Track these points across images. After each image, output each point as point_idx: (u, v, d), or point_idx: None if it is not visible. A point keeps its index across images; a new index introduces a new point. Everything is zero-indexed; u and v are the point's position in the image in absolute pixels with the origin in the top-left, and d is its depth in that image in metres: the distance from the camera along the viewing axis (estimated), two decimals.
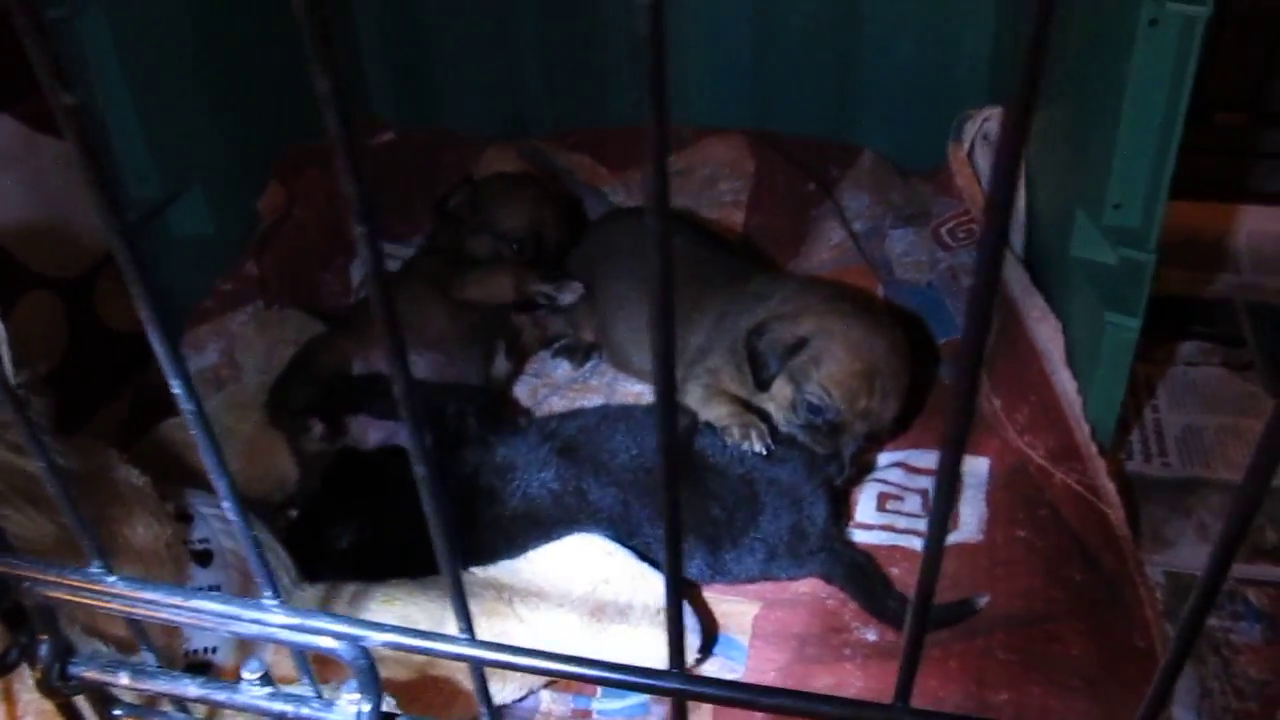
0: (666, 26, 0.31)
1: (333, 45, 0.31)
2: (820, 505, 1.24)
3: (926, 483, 1.34)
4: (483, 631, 0.50)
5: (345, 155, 0.34)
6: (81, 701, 0.64)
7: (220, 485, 0.48)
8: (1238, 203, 1.74)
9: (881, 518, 1.31)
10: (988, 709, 1.04)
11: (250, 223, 1.71)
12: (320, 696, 0.57)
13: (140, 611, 0.54)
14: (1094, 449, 1.28)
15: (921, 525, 1.29)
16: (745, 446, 1.26)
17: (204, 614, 0.53)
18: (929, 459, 1.37)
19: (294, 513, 1.32)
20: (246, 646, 1.02)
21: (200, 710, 0.83)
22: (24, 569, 0.55)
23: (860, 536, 1.29)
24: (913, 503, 1.32)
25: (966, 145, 1.59)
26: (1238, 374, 1.53)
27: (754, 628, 1.20)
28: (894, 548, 1.27)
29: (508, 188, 1.66)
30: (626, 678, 0.49)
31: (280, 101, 1.69)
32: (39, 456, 0.51)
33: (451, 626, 0.51)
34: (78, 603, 0.55)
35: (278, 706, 0.56)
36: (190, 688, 0.57)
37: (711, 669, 1.18)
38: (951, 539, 1.26)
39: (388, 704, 0.56)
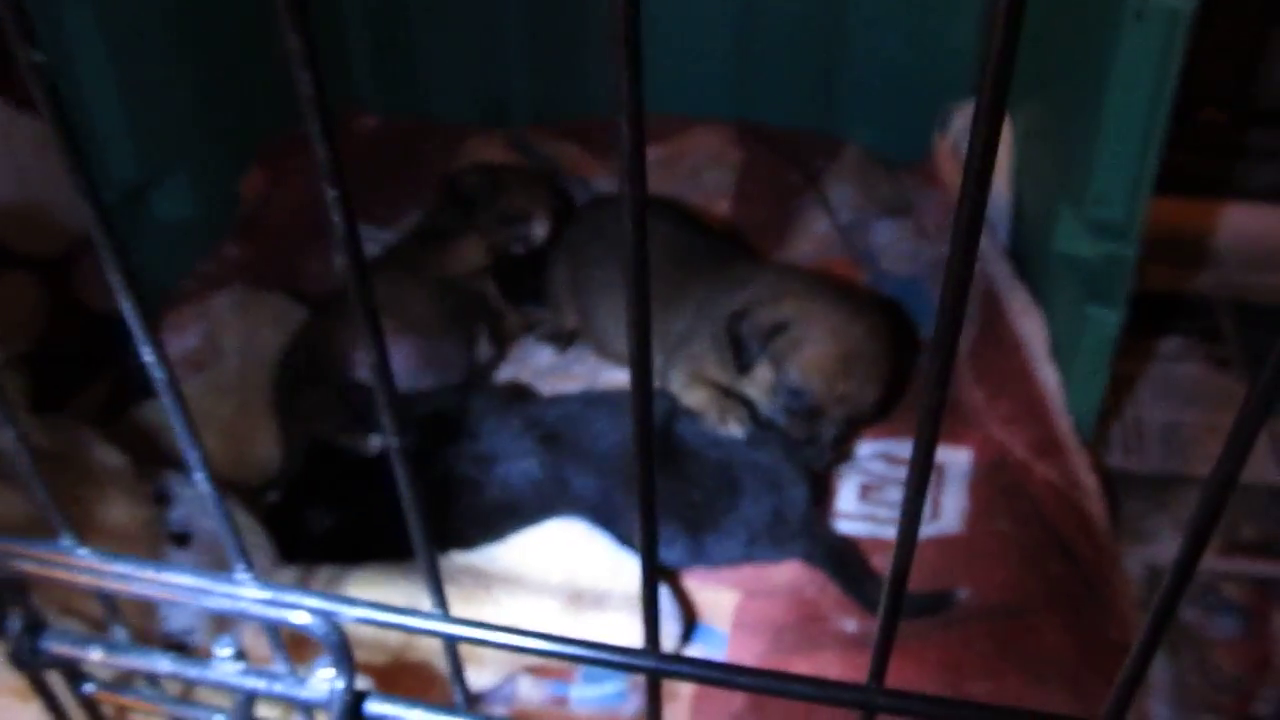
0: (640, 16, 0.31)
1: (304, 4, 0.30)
2: (800, 488, 1.24)
3: (907, 473, 1.34)
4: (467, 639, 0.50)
5: (317, 119, 0.33)
6: (54, 678, 0.63)
7: (191, 456, 0.47)
8: (1221, 200, 1.75)
9: (863, 508, 1.31)
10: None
11: (232, 206, 1.70)
12: (293, 673, 0.56)
13: (111, 585, 0.54)
14: (1075, 442, 1.29)
15: (915, 541, 1.29)
16: (723, 431, 1.26)
17: (175, 588, 0.52)
18: (909, 450, 1.37)
19: (273, 496, 1.31)
20: (224, 627, 1.01)
21: (174, 688, 0.82)
22: None
23: (842, 526, 1.29)
24: (895, 493, 1.32)
25: (952, 138, 1.59)
26: (1219, 370, 1.54)
27: (734, 617, 1.20)
28: (876, 539, 1.27)
29: (526, 177, 1.70)
30: (600, 655, 0.48)
31: (263, 85, 1.68)
32: (6, 429, 0.51)
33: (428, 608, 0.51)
34: (47, 576, 0.54)
35: (250, 683, 0.55)
36: (162, 663, 0.57)
37: (694, 655, 1.17)
38: (931, 530, 1.26)
39: (362, 682, 0.56)
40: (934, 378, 0.36)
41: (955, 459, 1.34)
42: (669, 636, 1.13)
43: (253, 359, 1.43)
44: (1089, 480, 1.26)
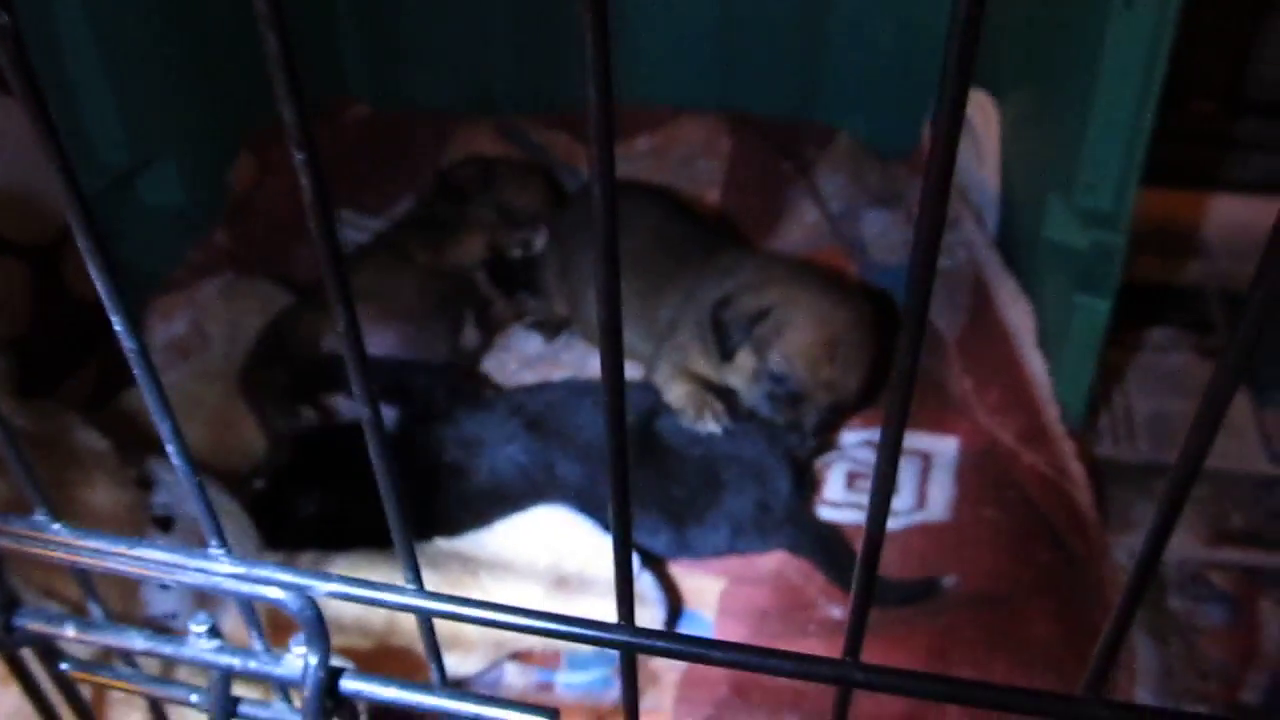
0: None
1: None
2: (783, 478, 1.24)
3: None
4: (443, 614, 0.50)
5: (283, 76, 0.33)
6: (30, 658, 0.63)
7: (163, 429, 0.47)
8: (1211, 191, 1.75)
9: (850, 496, 1.31)
10: None
11: (222, 193, 1.69)
12: (269, 650, 0.56)
13: (85, 561, 0.53)
14: (1063, 431, 1.29)
15: (890, 503, 1.29)
16: (699, 426, 1.26)
17: (149, 563, 0.52)
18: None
19: (260, 483, 1.31)
20: (207, 608, 1.01)
21: (153, 667, 0.82)
22: None
23: (829, 515, 1.29)
24: (892, 496, 1.32)
25: None
26: (1208, 361, 1.54)
27: (720, 604, 1.20)
28: (862, 526, 1.26)
29: (522, 171, 1.72)
30: (575, 630, 0.48)
31: (253, 72, 1.67)
32: None
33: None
34: (21, 551, 0.54)
35: (225, 660, 0.55)
36: (137, 640, 0.56)
37: None
38: (919, 518, 1.26)
39: (340, 660, 0.56)
40: (907, 346, 0.36)
41: (943, 447, 1.34)
42: (654, 622, 1.13)
43: (240, 346, 1.43)
44: (1077, 469, 1.26)
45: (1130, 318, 1.56)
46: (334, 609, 0.82)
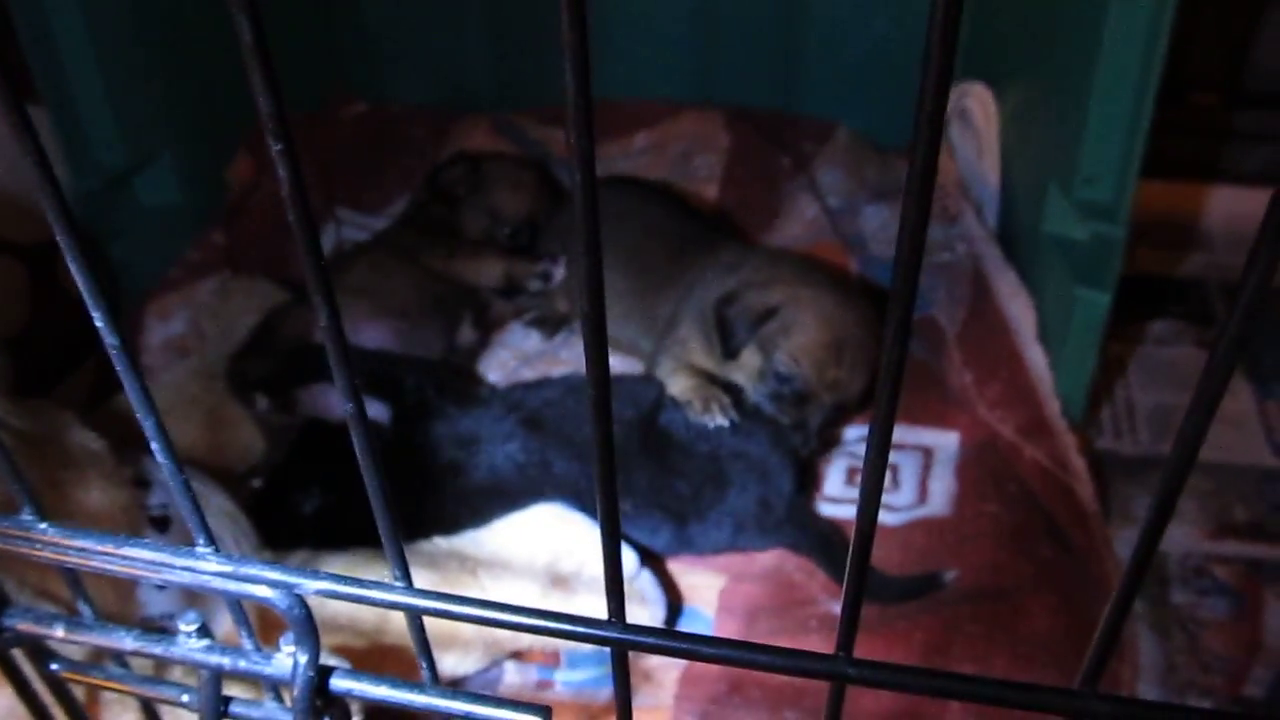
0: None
1: None
2: (786, 477, 1.23)
3: (896, 457, 1.33)
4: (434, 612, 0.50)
5: (259, 69, 0.32)
6: (20, 658, 0.63)
7: (147, 425, 0.46)
8: (1211, 183, 1.74)
9: (850, 491, 1.30)
10: None
11: (219, 192, 1.69)
12: (259, 649, 0.55)
13: (72, 560, 0.53)
14: (1063, 425, 1.28)
15: (889, 499, 1.29)
16: (706, 420, 1.26)
17: (136, 562, 0.52)
18: (898, 433, 1.35)
19: (258, 482, 1.30)
20: (203, 608, 1.01)
21: (145, 667, 0.82)
22: None
23: (829, 510, 1.29)
24: (883, 488, 1.32)
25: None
26: (1210, 353, 1.53)
27: (720, 600, 1.19)
28: None
29: (513, 172, 1.68)
30: (565, 627, 0.48)
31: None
32: None
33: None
34: (8, 551, 0.53)
35: (214, 659, 0.54)
36: (126, 640, 0.56)
37: None
38: (920, 513, 1.26)
39: (331, 658, 0.55)
40: (893, 335, 0.36)
41: (944, 442, 1.34)
42: (654, 620, 1.13)
43: (237, 346, 1.42)
44: (1078, 462, 1.25)
45: (1131, 310, 1.56)
46: (328, 608, 0.82)
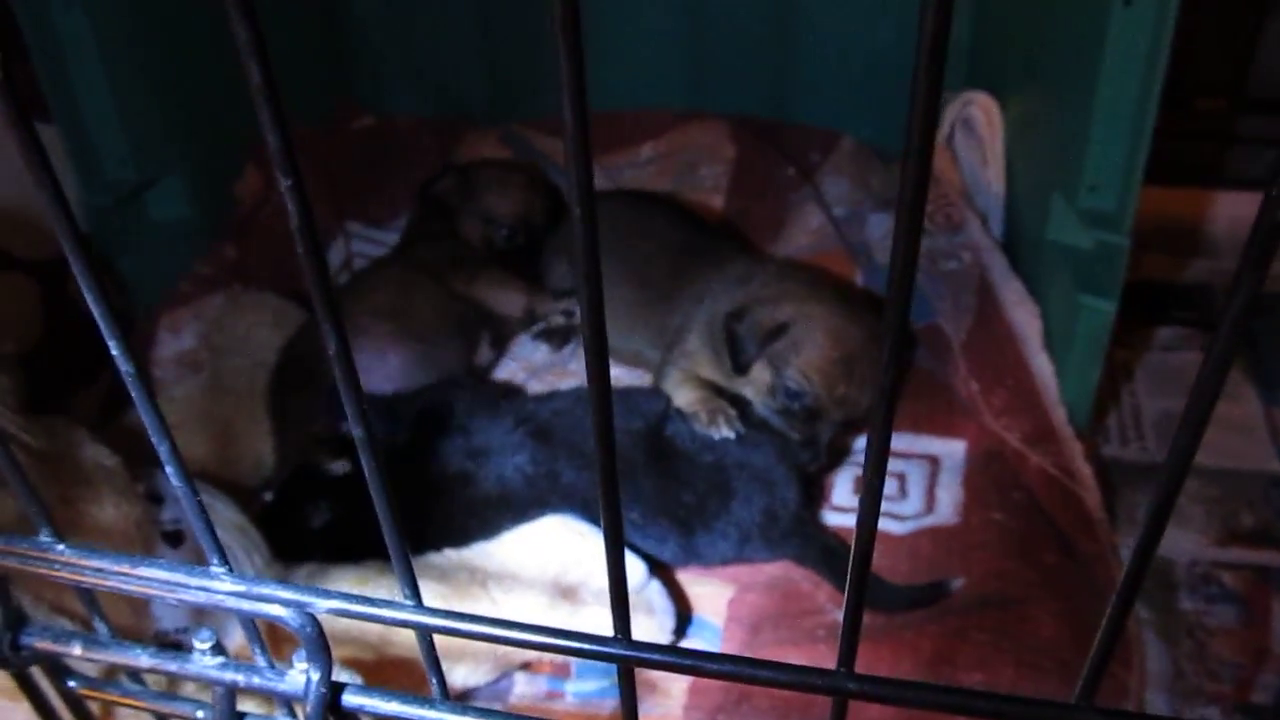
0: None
1: None
2: (792, 489, 1.24)
3: (902, 466, 1.34)
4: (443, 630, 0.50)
5: (267, 108, 0.33)
6: (38, 675, 0.64)
7: (162, 450, 0.47)
8: (1217, 188, 1.74)
9: (857, 500, 1.30)
10: None
11: (229, 206, 1.70)
12: (272, 666, 0.56)
13: (88, 580, 0.54)
14: (1070, 432, 1.29)
15: (896, 508, 1.30)
16: (712, 431, 1.26)
17: (151, 582, 0.53)
18: (904, 442, 1.37)
19: (269, 496, 1.32)
20: (216, 623, 1.02)
21: (160, 683, 0.83)
22: None
23: (836, 519, 1.29)
24: (888, 486, 1.32)
25: (945, 130, 1.58)
26: None
27: (728, 610, 1.20)
28: None
29: (500, 174, 1.70)
30: (570, 644, 0.49)
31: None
32: None
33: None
34: (26, 571, 0.54)
35: (229, 676, 0.55)
36: (142, 657, 0.57)
37: None
38: (926, 521, 1.26)
39: (344, 674, 0.56)
40: (891, 329, 0.37)
41: (950, 450, 1.34)
42: (663, 630, 1.13)
43: (248, 359, 1.44)
44: (1084, 470, 1.26)
45: (1137, 316, 1.56)
46: (337, 622, 0.82)
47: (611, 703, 1.11)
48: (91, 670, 0.69)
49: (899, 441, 1.38)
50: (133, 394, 0.45)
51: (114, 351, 0.44)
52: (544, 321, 1.58)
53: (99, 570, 0.54)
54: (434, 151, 1.87)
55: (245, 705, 0.59)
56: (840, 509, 1.31)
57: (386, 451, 0.47)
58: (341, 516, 1.22)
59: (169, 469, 0.49)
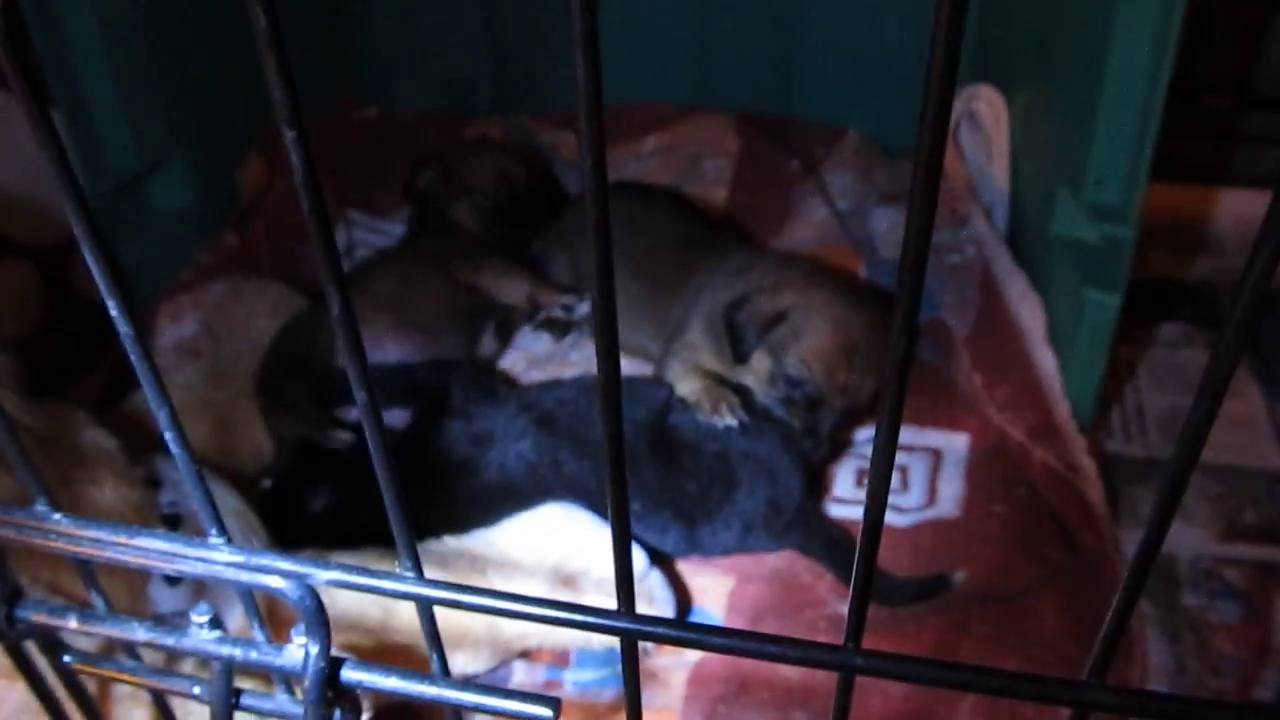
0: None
1: None
2: (795, 479, 1.23)
3: (905, 459, 1.33)
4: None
5: (273, 59, 0.33)
6: (35, 654, 0.63)
7: (161, 416, 0.47)
8: (1221, 186, 1.74)
9: (860, 493, 1.30)
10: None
11: (231, 194, 1.70)
12: (269, 640, 0.56)
13: (85, 550, 0.53)
14: (1073, 427, 1.28)
15: (898, 501, 1.29)
16: (716, 420, 1.26)
17: (149, 552, 0.52)
18: (907, 435, 1.37)
19: (268, 482, 1.31)
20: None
21: (156, 661, 0.82)
22: None
23: (838, 511, 1.29)
24: (892, 478, 1.32)
25: (951, 124, 1.58)
26: None
27: (729, 601, 1.19)
28: None
29: (471, 147, 1.74)
30: (574, 616, 0.48)
31: (261, 74, 1.67)
32: None
33: None
34: (22, 541, 0.54)
35: (226, 650, 0.55)
36: (139, 631, 0.56)
37: None
38: (929, 515, 1.26)
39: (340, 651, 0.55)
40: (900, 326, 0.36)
41: (953, 444, 1.34)
42: None
43: (249, 347, 1.43)
44: (1087, 465, 1.25)
45: (1141, 313, 1.56)
46: (334, 606, 0.82)
47: (610, 692, 1.10)
48: (88, 646, 0.68)
49: (901, 434, 1.37)
50: (130, 356, 0.44)
51: (113, 312, 0.43)
52: (546, 310, 1.58)
53: (96, 540, 0.53)
54: (438, 143, 1.86)
55: (242, 684, 0.59)
56: (842, 500, 1.30)
57: (390, 436, 0.46)
58: (340, 503, 1.22)
59: (167, 436, 0.48)
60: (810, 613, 1.16)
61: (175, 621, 1.00)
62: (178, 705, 0.74)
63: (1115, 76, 1.16)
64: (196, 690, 0.61)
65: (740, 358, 1.30)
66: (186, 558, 0.52)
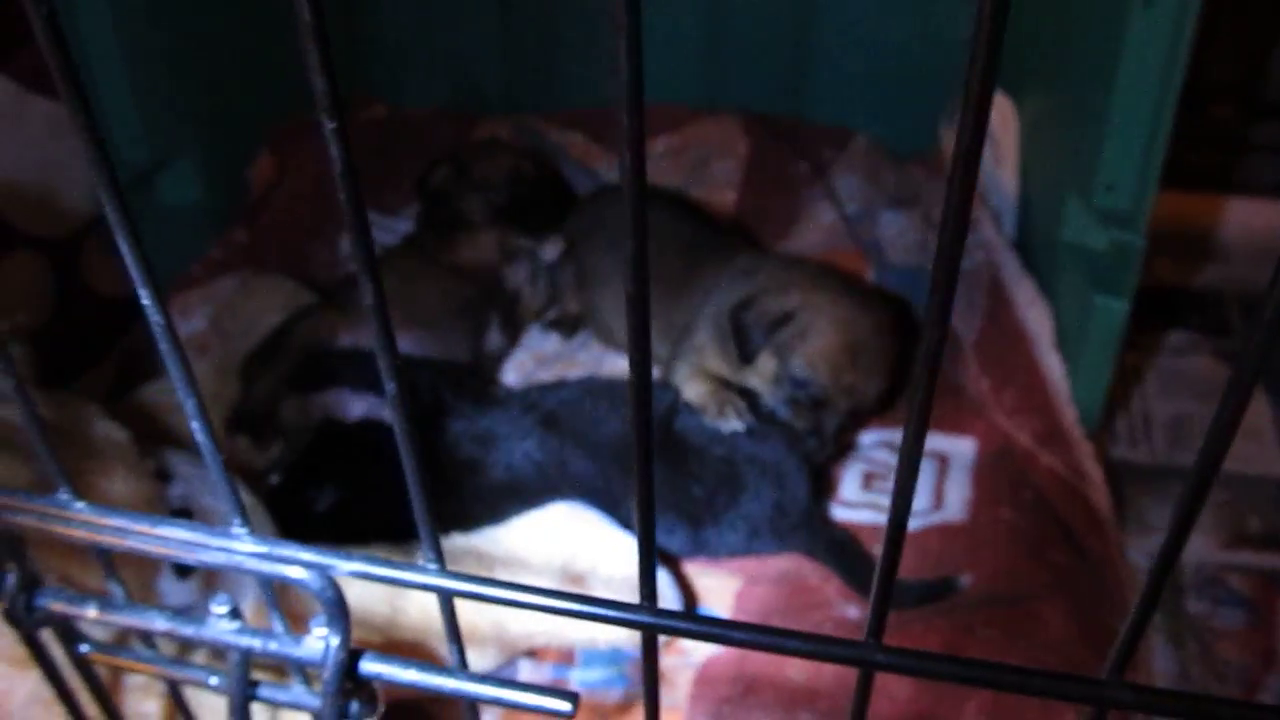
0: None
1: None
2: (801, 482, 1.23)
3: None
4: (462, 599, 0.50)
5: (316, 51, 0.33)
6: (50, 641, 0.63)
7: (188, 404, 0.47)
8: (1229, 194, 1.74)
9: (866, 496, 1.30)
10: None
11: (240, 191, 1.70)
12: (288, 631, 0.56)
13: (106, 539, 0.53)
14: (1080, 433, 1.28)
15: (917, 479, 1.29)
16: (721, 424, 1.26)
17: (170, 541, 0.52)
18: None
19: (274, 478, 1.31)
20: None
21: (171, 651, 0.82)
22: None
23: (844, 515, 1.29)
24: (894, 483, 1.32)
25: (958, 129, 1.58)
26: (1226, 364, 1.54)
27: (734, 603, 1.19)
28: (877, 526, 1.26)
29: (485, 145, 1.75)
30: (595, 610, 0.48)
31: (273, 70, 1.68)
32: (5, 382, 0.51)
33: None
34: (44, 529, 0.54)
35: (245, 641, 0.55)
36: (158, 621, 0.57)
37: (691, 643, 1.17)
38: (935, 518, 1.26)
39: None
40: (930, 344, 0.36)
41: (959, 448, 1.34)
42: None
43: (257, 343, 1.43)
44: (1093, 470, 1.25)
45: (1148, 321, 1.56)
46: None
47: (616, 691, 1.10)
48: (104, 635, 0.68)
49: None
50: (161, 347, 0.45)
51: (145, 301, 0.43)
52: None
53: (118, 529, 0.53)
54: (447, 142, 1.86)
55: (257, 677, 0.59)
56: (849, 504, 1.30)
57: (388, 435, 0.46)
58: (345, 501, 1.22)
59: (193, 425, 0.49)
60: (817, 615, 1.16)
61: (194, 612, 1.01)
62: (191, 697, 0.74)
63: (1127, 82, 1.16)
64: (213, 680, 0.61)
65: (746, 359, 1.30)
66: (209, 547, 0.52)
